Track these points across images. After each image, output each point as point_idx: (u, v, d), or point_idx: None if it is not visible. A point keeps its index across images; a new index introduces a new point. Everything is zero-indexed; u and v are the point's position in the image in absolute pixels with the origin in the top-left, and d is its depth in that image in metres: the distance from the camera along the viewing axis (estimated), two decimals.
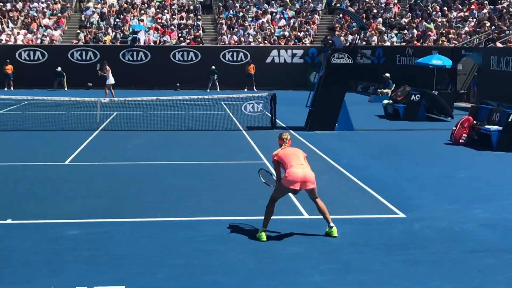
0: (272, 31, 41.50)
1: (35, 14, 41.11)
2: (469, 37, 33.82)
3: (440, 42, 34.54)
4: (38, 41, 38.63)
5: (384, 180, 12.78)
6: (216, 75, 37.24)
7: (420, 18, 38.88)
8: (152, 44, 39.47)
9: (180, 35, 40.73)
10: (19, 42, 38.36)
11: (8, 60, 36.18)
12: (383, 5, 42.85)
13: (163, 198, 11.09)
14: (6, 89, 35.39)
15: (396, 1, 43.15)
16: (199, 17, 42.81)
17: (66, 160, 14.80)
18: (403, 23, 39.68)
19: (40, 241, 8.56)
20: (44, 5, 42.29)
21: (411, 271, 7.58)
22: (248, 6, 43.70)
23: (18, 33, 39.09)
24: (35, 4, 42.29)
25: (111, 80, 29.85)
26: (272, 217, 8.75)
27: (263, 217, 8.74)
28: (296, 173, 8.49)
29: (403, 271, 7.61)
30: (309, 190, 8.67)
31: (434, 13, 38.87)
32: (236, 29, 41.19)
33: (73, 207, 10.45)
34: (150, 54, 38.31)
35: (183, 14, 42.72)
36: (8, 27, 39.73)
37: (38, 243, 8.48)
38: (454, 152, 16.57)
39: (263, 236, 8.57)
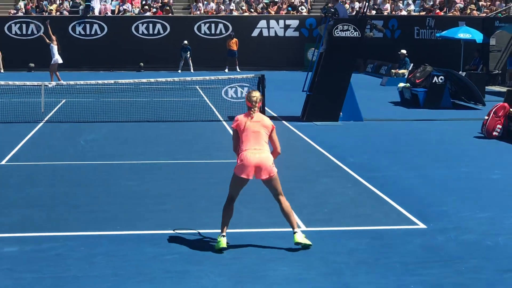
0: None
1: None
2: (504, 4, 33.94)
3: (469, 11, 34.64)
4: None
5: (400, 183, 12.81)
6: (189, 52, 37.11)
7: None
8: (109, 14, 39.26)
9: (144, 2, 40.54)
10: None
11: None
12: None
13: (122, 207, 11.04)
14: None
15: None
16: None
17: (3, 160, 14.74)
18: None
19: None
20: None
21: None
22: None
23: None
24: None
25: (58, 58, 29.22)
26: (261, 230, 8.73)
27: (248, 230, 8.72)
28: (249, 160, 8.63)
29: None
30: (267, 182, 8.73)
31: None
32: None
33: (10, 218, 10.36)
34: (107, 27, 38.08)
35: None
36: None
37: None
38: (487, 148, 16.64)
39: (222, 242, 8.67)
